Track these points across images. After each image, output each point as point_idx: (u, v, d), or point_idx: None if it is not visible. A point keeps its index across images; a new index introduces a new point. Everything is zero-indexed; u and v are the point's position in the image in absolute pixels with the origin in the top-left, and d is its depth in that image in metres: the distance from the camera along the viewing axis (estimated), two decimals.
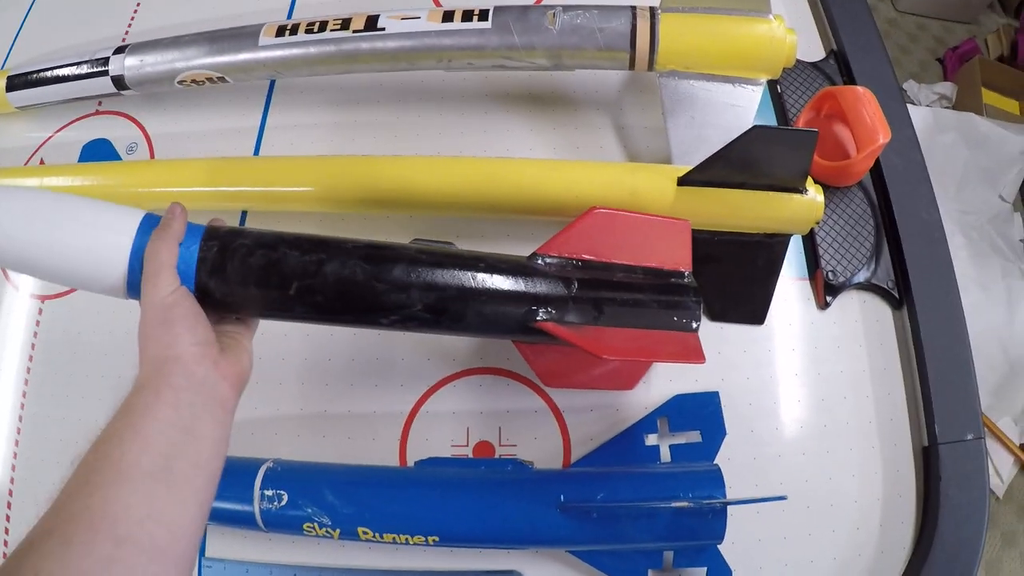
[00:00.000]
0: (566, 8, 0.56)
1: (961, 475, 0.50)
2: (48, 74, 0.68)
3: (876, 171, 0.59)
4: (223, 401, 0.39)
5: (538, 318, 0.43)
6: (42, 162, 0.70)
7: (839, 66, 0.64)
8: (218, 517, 0.50)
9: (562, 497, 0.45)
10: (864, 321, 0.57)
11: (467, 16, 0.57)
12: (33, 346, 0.65)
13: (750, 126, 0.56)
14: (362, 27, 0.59)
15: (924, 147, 0.62)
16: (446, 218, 0.60)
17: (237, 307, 0.43)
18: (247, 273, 0.41)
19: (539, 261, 0.45)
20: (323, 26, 0.60)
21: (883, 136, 0.54)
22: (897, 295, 0.56)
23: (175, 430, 0.35)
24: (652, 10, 0.56)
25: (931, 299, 0.55)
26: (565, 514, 0.45)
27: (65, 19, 0.78)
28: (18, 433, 0.63)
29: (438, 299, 0.43)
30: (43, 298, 0.65)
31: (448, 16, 0.58)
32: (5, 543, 0.62)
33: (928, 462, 0.52)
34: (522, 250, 0.57)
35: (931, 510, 0.51)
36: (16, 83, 0.69)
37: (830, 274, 0.56)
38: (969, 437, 0.51)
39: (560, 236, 0.46)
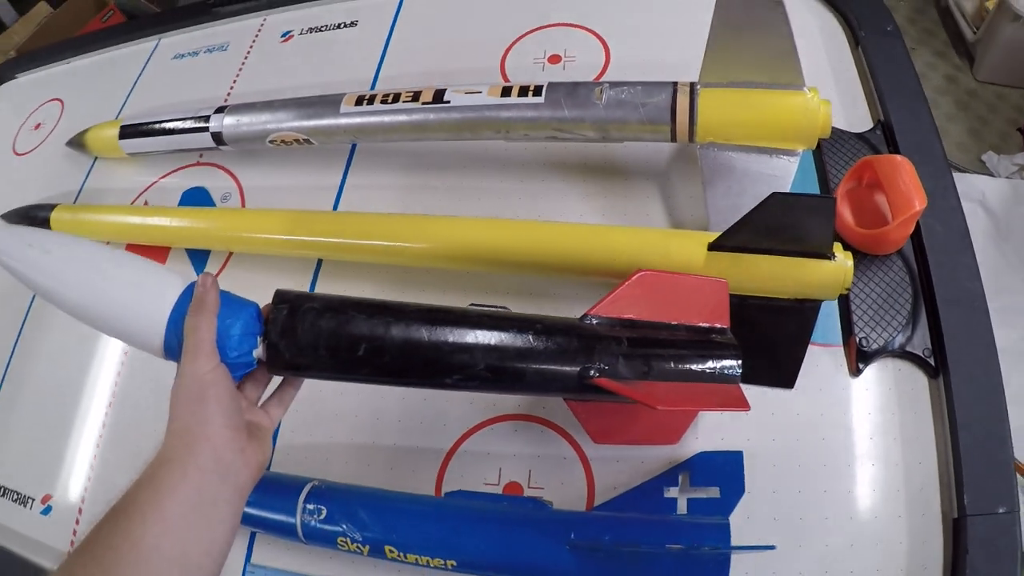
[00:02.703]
0: (612, 84, 0.65)
1: (990, 549, 0.53)
2: (157, 127, 0.83)
3: (917, 240, 0.64)
4: (242, 488, 0.41)
5: (592, 375, 0.49)
6: (146, 203, 0.85)
7: (885, 136, 0.69)
8: (265, 526, 0.60)
9: (572, 535, 0.52)
10: (898, 389, 0.60)
11: (523, 91, 0.67)
12: (127, 353, 0.78)
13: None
14: (430, 99, 0.70)
15: (1003, 218, 0.65)
16: (500, 276, 0.69)
17: (305, 368, 0.48)
18: (317, 334, 0.46)
19: (590, 321, 0.52)
20: (396, 98, 0.72)
21: (919, 203, 0.59)
22: (933, 364, 0.60)
23: (196, 515, 0.38)
24: (692, 85, 0.64)
25: (968, 369, 0.58)
26: (573, 552, 0.51)
27: (174, 79, 0.95)
28: (100, 436, 0.75)
29: (499, 359, 0.48)
30: None
31: (507, 91, 0.68)
32: (74, 532, 0.73)
33: (957, 534, 0.55)
34: (566, 307, 0.66)
35: None
36: (129, 132, 0.85)
37: (863, 341, 0.61)
38: (1001, 511, 0.54)
39: (609, 297, 0.52)
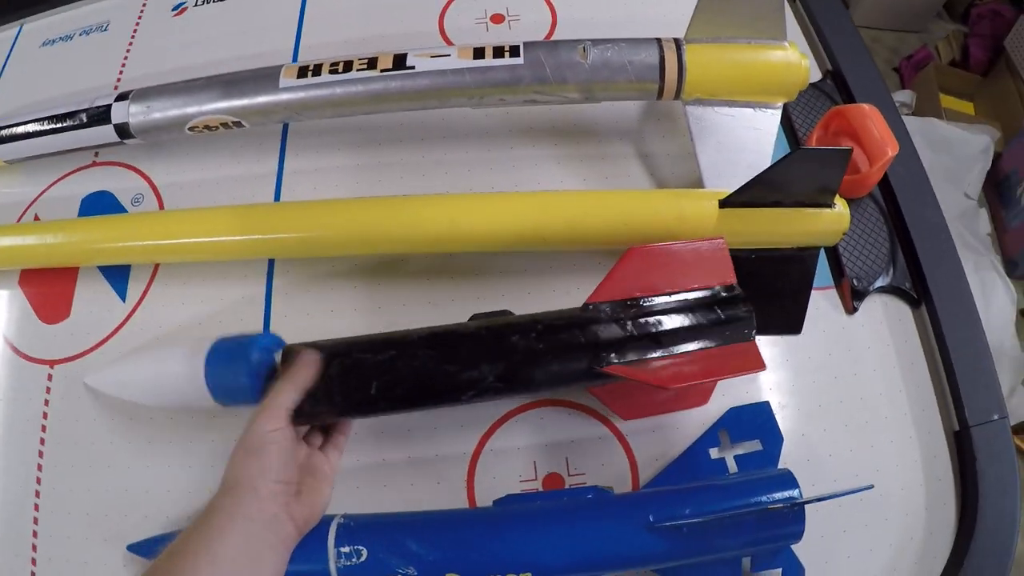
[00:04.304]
0: (595, 42, 0.63)
1: (993, 453, 0.59)
2: (41, 125, 0.69)
3: (883, 181, 0.68)
4: (286, 538, 0.45)
5: (602, 364, 0.49)
6: (36, 218, 0.70)
7: (836, 85, 0.73)
8: None
9: (651, 517, 0.50)
10: (888, 321, 0.65)
11: (498, 52, 0.63)
12: (45, 415, 0.64)
13: (771, 148, 0.65)
14: (390, 66, 0.63)
15: None
16: (489, 254, 0.65)
17: (326, 416, 0.52)
18: (329, 384, 0.49)
19: (592, 309, 0.51)
20: (348, 66, 0.64)
21: (891, 149, 0.63)
22: (915, 294, 0.65)
23: (244, 559, 0.42)
24: (677, 41, 0.63)
25: (946, 294, 0.64)
26: (654, 533, 0.50)
27: (47, 70, 0.79)
28: (36, 510, 0.62)
29: (507, 368, 0.50)
30: (52, 363, 0.66)
31: (479, 53, 0.63)
32: None
33: (961, 444, 0.60)
34: (568, 280, 0.64)
35: (970, 488, 0.59)
36: (5, 136, 0.69)
37: (855, 281, 0.64)
38: (995, 417, 0.60)
39: (606, 282, 0.52)
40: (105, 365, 0.58)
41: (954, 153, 1.37)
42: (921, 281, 0.65)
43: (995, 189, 1.46)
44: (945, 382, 0.63)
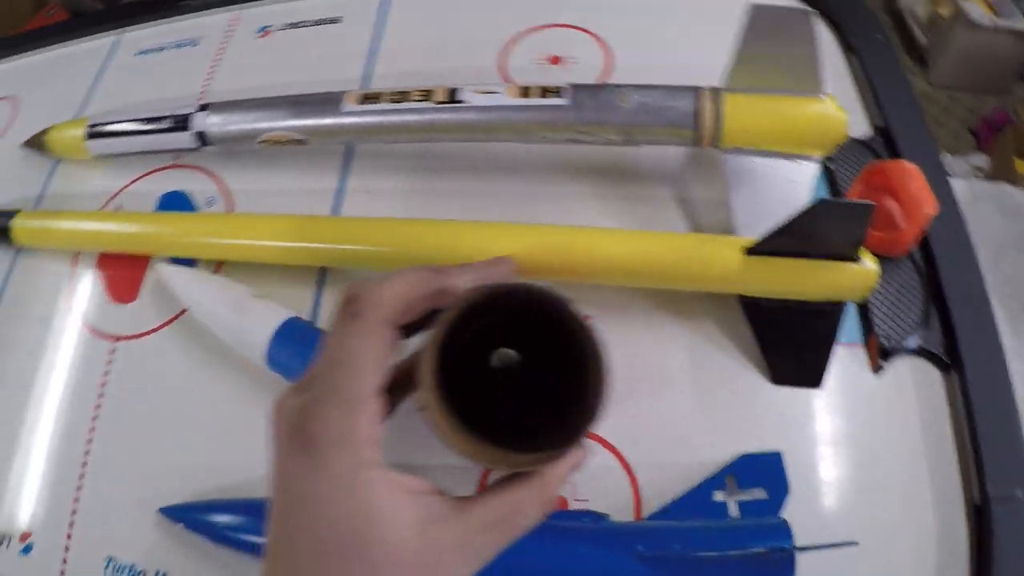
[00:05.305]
0: (636, 88, 0.65)
1: (1014, 531, 0.56)
2: (129, 126, 0.76)
3: (923, 242, 0.67)
4: None
5: None
6: (120, 208, 0.77)
7: (885, 143, 0.73)
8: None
9: (640, 548, 0.51)
10: (915, 385, 0.63)
11: (544, 92, 0.66)
12: (103, 384, 0.70)
13: (807, 200, 0.65)
14: (444, 99, 0.67)
15: (965, 218, 0.70)
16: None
17: None
18: None
19: None
20: (404, 96, 0.69)
21: (930, 208, 0.62)
22: (947, 359, 0.63)
23: None
24: (716, 90, 0.65)
25: (979, 363, 0.62)
26: (643, 563, 0.51)
27: (140, 77, 0.87)
28: (83, 467, 0.67)
29: None
30: (116, 338, 0.72)
31: (525, 92, 0.66)
32: (62, 574, 0.64)
33: (980, 520, 0.58)
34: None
35: (984, 565, 0.56)
36: (97, 132, 0.77)
37: (884, 340, 0.63)
38: (1020, 494, 0.58)
39: None
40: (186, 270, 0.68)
41: None
42: (954, 347, 0.63)
43: None
44: (969, 453, 0.61)
